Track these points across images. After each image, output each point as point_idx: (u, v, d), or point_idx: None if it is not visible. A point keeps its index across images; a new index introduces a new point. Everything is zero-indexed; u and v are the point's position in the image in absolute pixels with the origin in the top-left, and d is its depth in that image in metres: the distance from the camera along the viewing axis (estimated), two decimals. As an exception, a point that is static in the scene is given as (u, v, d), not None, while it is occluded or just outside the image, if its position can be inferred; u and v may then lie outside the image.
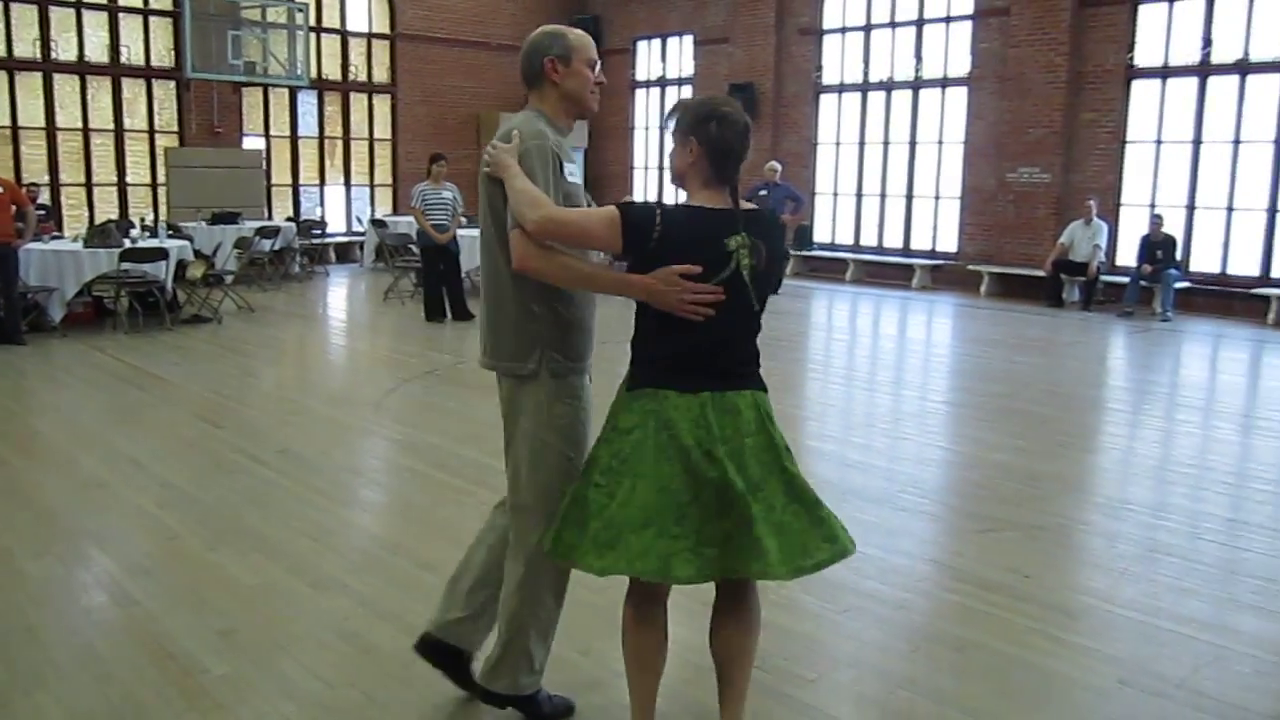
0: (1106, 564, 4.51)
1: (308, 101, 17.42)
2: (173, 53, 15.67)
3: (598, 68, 2.98)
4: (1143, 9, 13.18)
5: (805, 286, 14.97)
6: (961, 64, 14.93)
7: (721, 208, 2.61)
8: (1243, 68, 12.48)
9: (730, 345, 2.63)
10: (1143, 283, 12.53)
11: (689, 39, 18.37)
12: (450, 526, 4.81)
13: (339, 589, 4.05)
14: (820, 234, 16.83)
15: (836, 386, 8.68)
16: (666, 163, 2.79)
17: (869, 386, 8.76)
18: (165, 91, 15.97)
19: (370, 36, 17.75)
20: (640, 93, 19.49)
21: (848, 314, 13.08)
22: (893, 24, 15.67)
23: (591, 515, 2.62)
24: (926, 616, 3.90)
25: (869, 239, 16.40)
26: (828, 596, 3.99)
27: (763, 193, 14.00)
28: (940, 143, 15.39)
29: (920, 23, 15.36)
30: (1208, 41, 12.69)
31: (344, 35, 17.50)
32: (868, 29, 15.95)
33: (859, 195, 16.49)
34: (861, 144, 16.34)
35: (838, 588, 4.10)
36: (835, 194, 16.79)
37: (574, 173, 2.90)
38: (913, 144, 15.70)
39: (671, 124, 2.71)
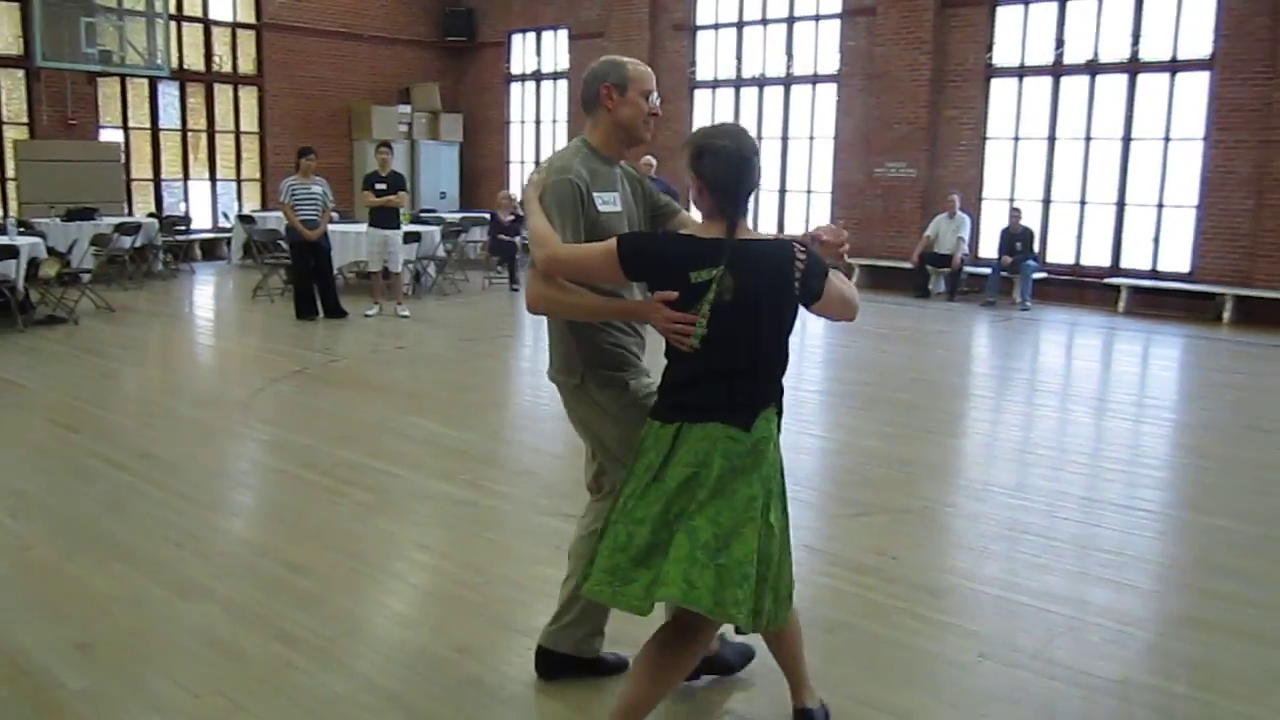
0: (970, 544, 4.69)
1: (169, 93, 16.76)
2: (21, 40, 14.89)
3: (653, 98, 3.01)
4: (1000, 10, 13.69)
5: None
6: (831, 61, 15.26)
7: (707, 238, 2.62)
8: (1092, 68, 13.08)
9: (707, 379, 2.62)
10: (1003, 274, 13.03)
11: (564, 33, 18.33)
12: (322, 528, 4.71)
13: (204, 595, 3.92)
14: (697, 228, 16.98)
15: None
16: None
17: (745, 378, 8.89)
18: (13, 81, 15.16)
19: (235, 26, 17.19)
20: (515, 87, 19.36)
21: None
22: (764, 21, 15.91)
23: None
24: (799, 600, 3.94)
25: (744, 233, 16.60)
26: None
27: (639, 187, 14.08)
28: (811, 138, 15.71)
29: (791, 20, 15.64)
30: (1060, 43, 13.26)
31: (207, 24, 16.90)
32: (740, 26, 16.17)
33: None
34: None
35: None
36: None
37: (610, 202, 2.96)
38: (785, 139, 15.99)
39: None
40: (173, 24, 15.94)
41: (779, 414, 2.73)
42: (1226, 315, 11.83)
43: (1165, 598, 4.20)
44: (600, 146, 3.00)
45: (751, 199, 2.72)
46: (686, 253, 2.61)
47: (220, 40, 17.12)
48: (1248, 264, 11.91)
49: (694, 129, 2.74)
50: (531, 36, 18.95)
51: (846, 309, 2.80)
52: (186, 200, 17.17)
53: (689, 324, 2.56)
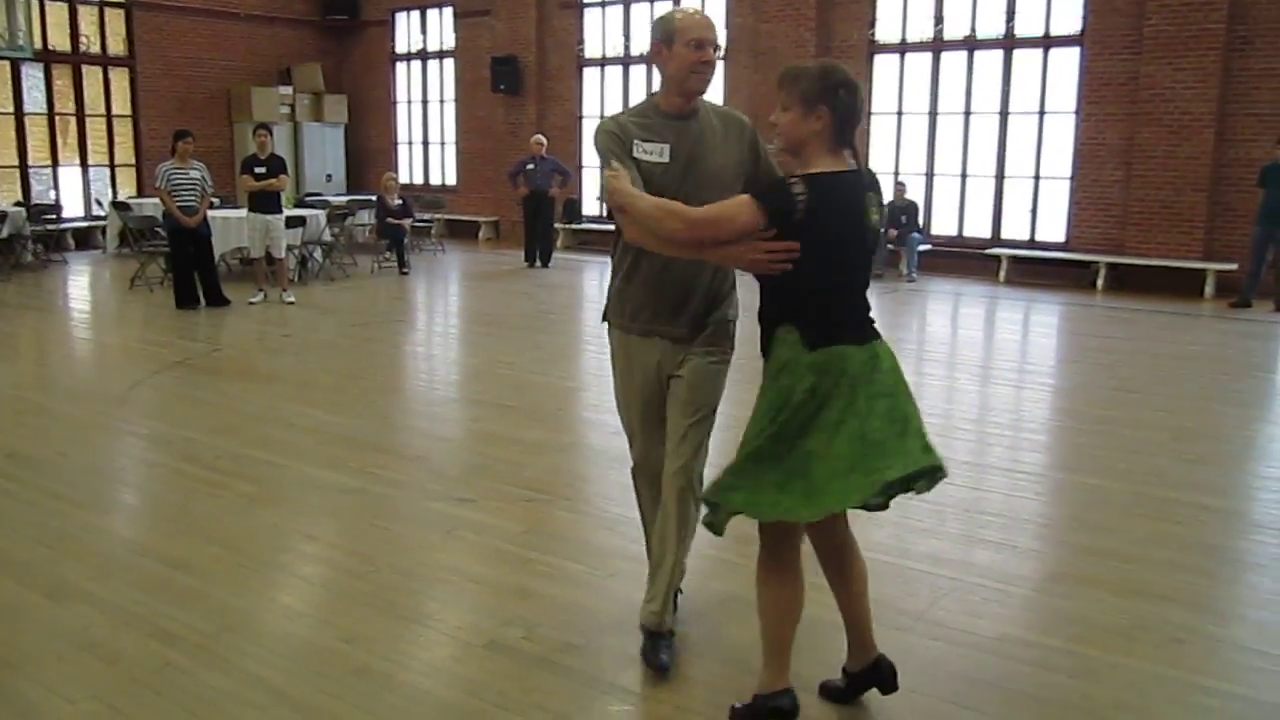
0: (859, 512, 4.75)
1: (33, 75, 16.00)
2: None
3: (702, 46, 3.03)
4: (881, -13, 13.94)
5: (576, 260, 15.06)
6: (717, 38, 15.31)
7: (851, 170, 2.76)
8: (970, 44, 13.41)
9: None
10: (890, 246, 13.30)
11: (449, 11, 18.03)
12: (203, 522, 4.57)
13: (78, 597, 3.77)
14: (589, 207, 16.96)
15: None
16: (781, 132, 2.80)
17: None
18: None
19: (102, 4, 16.45)
20: (401, 66, 18.99)
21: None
22: (651, -1, 15.92)
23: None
24: (691, 574, 4.00)
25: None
26: (595, 563, 4.04)
27: (530, 166, 13.99)
28: (701, 116, 15.75)
29: (677, -2, 15.67)
30: (939, 19, 13.55)
31: (72, 3, 16.15)
32: (627, 3, 16.12)
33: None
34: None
35: (606, 554, 4.17)
36: (601, 167, 16.91)
37: (654, 151, 3.06)
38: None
39: (790, 91, 2.74)
40: (34, 2, 15.20)
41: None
42: (1100, 282, 12.30)
43: (1043, 556, 4.35)
44: (657, 102, 3.14)
45: None
46: (853, 186, 2.73)
47: (87, 19, 16.38)
48: (1119, 232, 12.38)
49: (800, 69, 2.75)
50: (416, 15, 18.59)
51: None
52: (56, 188, 16.43)
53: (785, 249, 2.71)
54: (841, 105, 2.68)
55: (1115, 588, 3.91)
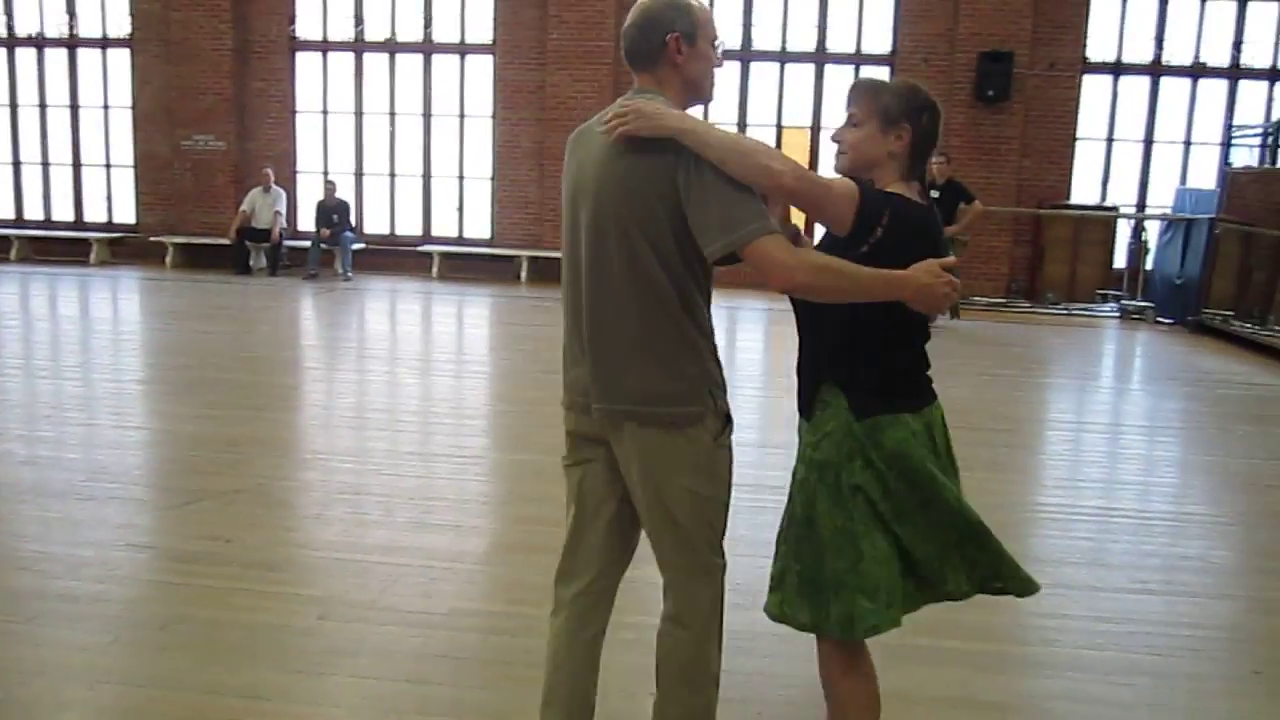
0: (305, 513, 4.75)
1: None
2: None
3: (719, 47, 2.39)
4: (297, -16, 13.76)
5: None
6: (121, 24, 14.12)
7: (928, 207, 2.41)
8: (391, 46, 13.70)
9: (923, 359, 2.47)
10: (323, 246, 13.23)
11: None
12: None
13: None
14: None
15: (13, 378, 7.77)
16: (837, 147, 2.43)
17: (52, 374, 7.99)
18: None
19: None
20: None
21: (18, 297, 11.73)
22: (34, -26, 14.23)
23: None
24: (125, 604, 3.73)
25: (34, 212, 14.83)
26: (7, 609, 3.60)
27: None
28: (106, 107, 14.45)
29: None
30: (359, 20, 13.70)
31: None
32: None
33: (16, 164, 14.79)
34: (13, 106, 14.64)
35: (19, 596, 3.73)
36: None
37: None
38: (74, 108, 14.50)
39: (868, 105, 2.37)
40: None
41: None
42: (523, 275, 13.28)
43: (487, 531, 4.66)
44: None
45: None
46: (929, 218, 2.38)
47: None
48: (537, 229, 13.45)
49: (885, 81, 2.46)
50: None
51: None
52: None
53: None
54: (923, 128, 2.39)
55: (548, 550, 4.26)
